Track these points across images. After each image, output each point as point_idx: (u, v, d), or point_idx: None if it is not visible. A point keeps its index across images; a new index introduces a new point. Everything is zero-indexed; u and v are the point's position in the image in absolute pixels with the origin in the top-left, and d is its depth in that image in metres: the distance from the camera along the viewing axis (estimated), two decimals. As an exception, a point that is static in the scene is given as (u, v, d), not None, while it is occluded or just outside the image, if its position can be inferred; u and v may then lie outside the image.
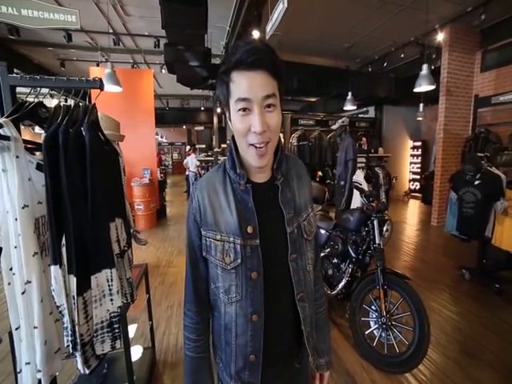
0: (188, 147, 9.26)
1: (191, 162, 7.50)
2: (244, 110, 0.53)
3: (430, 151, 7.31)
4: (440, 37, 4.64)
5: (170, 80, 5.59)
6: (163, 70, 5.53)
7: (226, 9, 4.19)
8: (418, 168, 7.70)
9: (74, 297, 0.85)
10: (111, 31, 4.74)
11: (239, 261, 0.58)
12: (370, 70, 6.33)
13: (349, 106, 5.54)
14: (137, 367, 1.61)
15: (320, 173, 6.44)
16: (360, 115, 8.14)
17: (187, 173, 7.75)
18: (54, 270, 0.84)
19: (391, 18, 4.35)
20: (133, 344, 1.78)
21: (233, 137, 0.61)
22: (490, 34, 4.73)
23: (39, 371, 0.84)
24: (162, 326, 2.23)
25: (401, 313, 1.80)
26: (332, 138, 6.36)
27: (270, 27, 2.52)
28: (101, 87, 1.06)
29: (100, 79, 1.05)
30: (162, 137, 15.02)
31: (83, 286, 0.88)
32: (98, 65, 5.24)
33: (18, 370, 0.86)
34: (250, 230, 0.58)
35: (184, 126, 14.37)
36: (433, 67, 5.26)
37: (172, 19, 3.35)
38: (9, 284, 0.82)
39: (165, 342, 2.04)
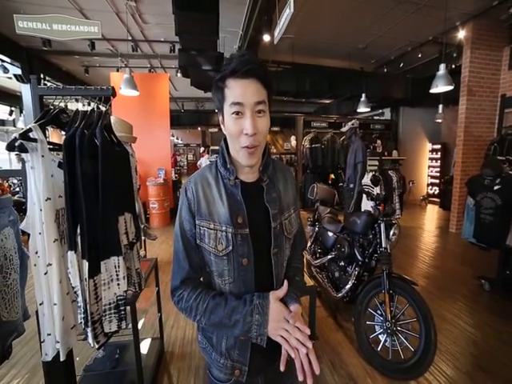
0: (202, 149, 9.44)
1: (205, 163, 7.66)
2: (237, 113, 0.58)
3: (450, 154, 6.96)
4: (461, 34, 4.43)
5: (185, 83, 5.75)
6: (178, 74, 5.71)
7: (239, 14, 4.27)
8: (436, 172, 7.36)
9: (86, 279, 0.98)
10: (130, 38, 4.97)
11: (230, 248, 0.64)
12: (385, 70, 6.16)
13: (362, 108, 5.42)
14: (145, 356, 1.71)
15: (332, 175, 6.34)
16: (375, 117, 7.94)
17: None
18: (70, 255, 0.98)
19: (407, 17, 4.22)
20: (143, 334, 1.90)
21: (225, 138, 0.68)
22: (520, 29, 4.45)
23: (57, 342, 0.98)
24: (172, 319, 2.30)
25: (407, 319, 1.76)
26: (345, 141, 6.25)
27: (277, 31, 2.54)
28: (112, 94, 1.18)
29: (112, 87, 1.18)
30: (177, 138, 15.43)
31: (94, 270, 0.99)
32: (117, 70, 5.50)
33: (41, 340, 1.00)
34: (239, 220, 0.64)
35: (199, 128, 14.69)
36: (453, 66, 5.04)
37: (185, 26, 3.47)
38: (35, 265, 0.96)
39: (173, 334, 2.11)
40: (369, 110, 5.66)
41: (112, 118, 1.42)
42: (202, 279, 0.72)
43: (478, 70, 4.58)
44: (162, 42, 5.31)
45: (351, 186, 3.39)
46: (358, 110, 5.57)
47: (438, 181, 7.29)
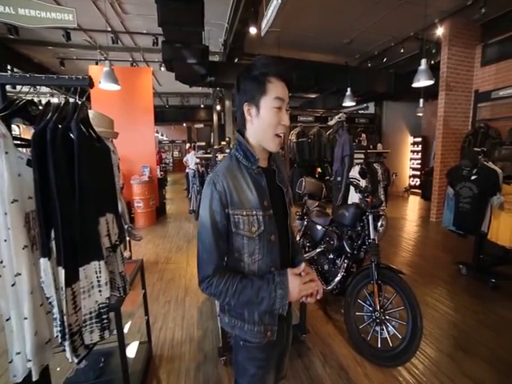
0: (188, 145, 9.27)
1: (191, 159, 7.53)
2: (279, 108, 0.72)
3: (430, 147, 7.27)
4: (440, 31, 4.60)
5: (170, 78, 5.59)
6: (162, 68, 5.54)
7: (224, 6, 4.19)
8: (418, 164, 7.68)
9: (62, 288, 0.88)
10: (109, 29, 4.75)
11: (262, 228, 0.75)
12: (369, 65, 6.29)
13: (348, 102, 5.52)
14: (132, 361, 1.61)
15: (319, 169, 6.44)
16: (360, 111, 8.10)
17: (187, 170, 7.78)
18: (43, 263, 0.87)
19: (390, 12, 4.32)
20: (129, 338, 1.80)
21: (239, 133, 0.79)
22: (491, 28, 4.67)
23: (29, 361, 0.87)
24: (160, 321, 2.24)
25: (395, 307, 1.81)
26: (331, 135, 6.35)
27: (264, 23, 2.52)
28: (90, 85, 1.07)
29: (89, 77, 1.06)
30: (162, 135, 15.04)
31: (72, 278, 0.91)
32: (97, 63, 5.26)
33: (9, 360, 0.89)
34: (265, 203, 0.75)
35: (184, 124, 14.41)
36: (432, 62, 5.21)
37: (168, 16, 3.36)
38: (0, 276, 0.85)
39: (161, 336, 2.05)
40: (354, 104, 5.77)
41: (90, 113, 1.33)
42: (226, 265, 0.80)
43: (455, 67, 4.78)
44: (145, 35, 5.12)
45: (339, 179, 3.46)
46: (344, 104, 5.67)
47: (419, 172, 7.61)
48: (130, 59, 6.09)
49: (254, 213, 0.74)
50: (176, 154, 17.41)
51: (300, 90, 7.12)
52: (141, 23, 4.78)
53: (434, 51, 5.06)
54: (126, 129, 5.01)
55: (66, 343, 0.91)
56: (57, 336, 0.91)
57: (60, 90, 4.82)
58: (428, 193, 5.66)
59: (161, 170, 6.85)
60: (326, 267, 2.34)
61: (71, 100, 1.00)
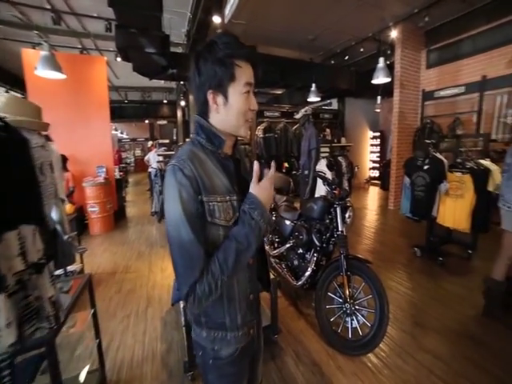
0: (150, 143, 8.74)
1: (153, 158, 7.10)
2: (248, 92, 0.67)
3: (386, 141, 7.86)
4: (393, 34, 4.94)
5: (128, 70, 5.13)
6: (118, 58, 5.05)
7: (185, -8, 3.97)
8: (377, 157, 8.26)
9: None
10: (49, 7, 4.15)
11: (238, 214, 0.68)
12: (332, 62, 6.51)
13: (313, 98, 5.67)
14: None
15: (286, 164, 6.55)
16: (324, 107, 8.41)
17: (149, 170, 7.34)
18: None
19: (350, 12, 4.49)
20: (78, 367, 1.55)
21: (200, 115, 0.70)
22: (433, 35, 5.20)
23: None
24: (117, 340, 1.99)
25: (363, 296, 1.86)
26: (297, 130, 6.49)
27: (228, 9, 2.42)
28: None
29: None
30: (122, 132, 13.94)
31: None
32: (34, 47, 4.53)
33: None
34: (236, 188, 0.70)
35: (146, 121, 13.58)
36: (388, 62, 5.60)
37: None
38: None
39: (119, 358, 1.83)
40: (319, 99, 5.95)
41: (2, 96, 1.08)
42: None
43: (407, 67, 5.21)
44: (95, 18, 4.60)
45: (306, 172, 3.53)
46: (309, 100, 5.81)
47: (378, 165, 8.19)
48: (80, 46, 5.46)
49: (228, 198, 0.67)
50: (138, 152, 16.33)
51: (266, 86, 7.15)
52: (90, 4, 4.28)
53: (389, 52, 5.42)
54: (75, 125, 4.50)
55: None
56: None
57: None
58: (386, 183, 6.10)
59: (120, 171, 6.34)
60: (295, 262, 2.31)
61: None
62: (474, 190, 2.72)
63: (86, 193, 4.34)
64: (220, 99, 0.66)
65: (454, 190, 2.82)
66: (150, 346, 1.94)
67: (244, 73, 0.65)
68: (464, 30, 4.69)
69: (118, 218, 5.04)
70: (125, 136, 14.89)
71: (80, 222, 4.02)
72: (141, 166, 15.12)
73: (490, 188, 2.74)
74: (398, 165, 5.29)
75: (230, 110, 0.67)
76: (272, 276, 1.80)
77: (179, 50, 5.79)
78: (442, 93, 5.08)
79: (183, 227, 0.61)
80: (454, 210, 2.84)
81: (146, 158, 7.55)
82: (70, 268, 1.69)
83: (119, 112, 9.73)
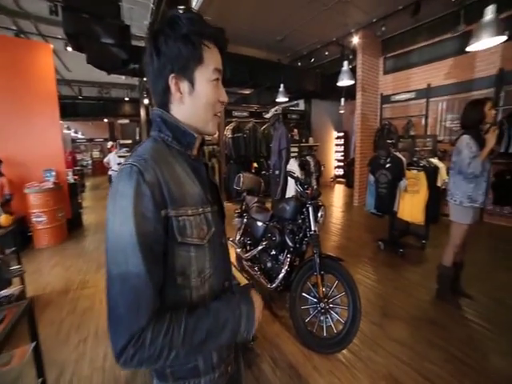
0: (110, 143, 8.04)
1: (113, 160, 6.58)
2: (217, 80, 0.57)
3: (350, 140, 8.32)
4: (355, 40, 5.22)
5: (82, 62, 4.59)
6: (69, 48, 4.51)
7: (146, -20, 3.71)
8: (341, 156, 8.69)
9: None
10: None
11: (213, 229, 0.57)
12: (299, 64, 6.67)
13: (281, 98, 5.74)
14: None
15: (255, 164, 6.55)
16: (291, 107, 8.59)
17: (109, 172, 6.79)
18: None
19: (316, 16, 4.62)
20: None
21: (162, 108, 0.58)
22: (388, 44, 5.64)
23: None
24: (68, 372, 1.69)
25: (336, 294, 1.89)
26: (266, 130, 6.52)
27: (194, 3, 2.30)
28: None
29: None
30: (76, 132, 12.66)
31: None
32: None
33: None
34: (209, 197, 0.59)
35: (105, 120, 12.58)
36: (350, 66, 5.91)
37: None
38: None
39: None
40: (287, 100, 6.04)
41: None
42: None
43: (367, 72, 5.55)
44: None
45: (277, 172, 3.54)
46: (277, 100, 5.87)
47: (342, 163, 8.61)
48: (14, 28, 4.71)
49: (201, 210, 0.55)
50: (96, 154, 15.09)
51: (234, 85, 7.06)
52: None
53: (351, 57, 5.72)
54: (11, 120, 3.85)
55: None
56: None
57: None
58: (351, 181, 6.44)
59: (74, 174, 5.73)
60: (268, 264, 2.26)
61: None
62: (427, 185, 2.98)
63: (30, 200, 3.75)
64: (185, 86, 0.55)
65: (412, 186, 3.07)
66: (112, 372, 1.68)
67: (213, 56, 0.55)
68: (413, 42, 5.20)
69: (72, 226, 4.52)
70: (80, 136, 13.57)
71: (22, 234, 3.51)
72: (100, 168, 14.02)
73: (439, 183, 3.05)
74: (361, 163, 5.61)
75: (197, 100, 0.56)
76: (245, 280, 1.75)
77: (142, 43, 5.43)
78: (397, 97, 5.56)
79: (133, 255, 0.45)
80: (412, 204, 3.08)
81: (105, 159, 6.95)
82: (3, 293, 1.45)
83: (72, 109, 8.82)
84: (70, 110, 8.62)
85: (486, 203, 2.07)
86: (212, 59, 0.55)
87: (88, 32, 3.54)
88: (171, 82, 0.53)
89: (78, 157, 13.83)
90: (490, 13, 2.63)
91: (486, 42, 2.71)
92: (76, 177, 5.50)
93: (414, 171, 3.08)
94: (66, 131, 10.56)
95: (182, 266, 0.53)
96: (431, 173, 3.00)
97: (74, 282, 2.90)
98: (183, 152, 0.58)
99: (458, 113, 4.56)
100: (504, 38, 2.67)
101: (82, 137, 14.08)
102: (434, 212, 3.06)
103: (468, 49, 2.97)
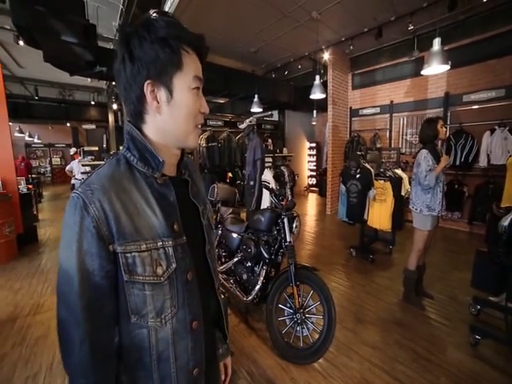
0: (73, 149, 7.44)
1: (77, 168, 6.09)
2: (197, 89, 0.53)
3: (322, 151, 8.67)
4: (326, 56, 5.52)
5: (38, 59, 4.17)
6: (20, 42, 3.95)
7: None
8: (314, 166, 9.01)
9: None
10: None
11: (174, 265, 0.51)
12: (273, 76, 6.87)
13: (255, 109, 5.84)
14: None
15: (230, 174, 6.52)
16: (266, 118, 8.77)
17: (72, 181, 6.27)
18: None
19: (289, 31, 4.83)
20: None
21: (130, 124, 0.53)
22: (356, 62, 6.08)
23: None
24: None
25: (312, 304, 1.90)
26: (241, 139, 6.55)
27: (168, 7, 2.28)
28: None
29: None
30: (31, 136, 11.47)
31: None
32: None
33: None
34: (176, 227, 0.53)
35: (68, 124, 11.72)
36: (322, 80, 6.23)
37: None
38: None
39: None
40: (261, 110, 6.16)
41: None
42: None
43: (337, 86, 5.88)
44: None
45: (251, 183, 3.53)
46: (252, 110, 5.96)
47: (315, 173, 8.93)
48: None
49: (160, 244, 0.50)
50: (57, 160, 13.89)
51: (209, 94, 7.05)
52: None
53: (322, 72, 6.04)
54: None
55: None
56: None
57: None
58: (323, 190, 6.68)
59: (28, 183, 5.15)
60: (244, 277, 2.22)
61: None
62: (393, 195, 3.19)
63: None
64: (162, 94, 0.50)
65: (379, 196, 3.26)
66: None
67: (193, 62, 0.51)
68: (377, 62, 5.66)
69: (24, 242, 4.01)
70: (36, 140, 12.32)
71: None
72: (61, 176, 12.98)
73: (403, 193, 3.28)
74: (333, 173, 5.86)
75: (176, 110, 0.51)
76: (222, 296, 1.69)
77: (110, 46, 5.21)
78: (365, 111, 5.98)
79: (71, 292, 0.45)
80: (380, 212, 3.27)
81: (67, 167, 6.40)
82: None
83: (26, 110, 8.05)
84: (22, 110, 7.89)
85: (442, 211, 2.26)
86: (192, 66, 0.51)
87: (44, 27, 3.13)
88: (146, 89, 0.49)
89: (34, 163, 12.68)
90: (436, 44, 3.03)
91: (434, 68, 3.16)
92: (30, 186, 4.98)
93: (381, 181, 3.29)
94: (17, 134, 9.58)
95: (135, 305, 0.49)
96: (396, 183, 3.23)
97: (24, 307, 2.55)
98: (150, 175, 0.52)
99: (417, 128, 5.02)
100: (447, 67, 3.12)
101: (39, 141, 12.79)
102: (399, 219, 3.27)
103: (422, 72, 3.41)
